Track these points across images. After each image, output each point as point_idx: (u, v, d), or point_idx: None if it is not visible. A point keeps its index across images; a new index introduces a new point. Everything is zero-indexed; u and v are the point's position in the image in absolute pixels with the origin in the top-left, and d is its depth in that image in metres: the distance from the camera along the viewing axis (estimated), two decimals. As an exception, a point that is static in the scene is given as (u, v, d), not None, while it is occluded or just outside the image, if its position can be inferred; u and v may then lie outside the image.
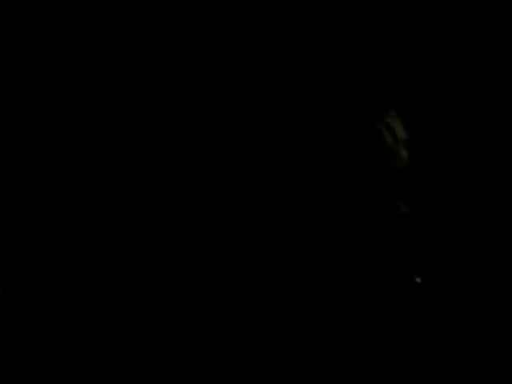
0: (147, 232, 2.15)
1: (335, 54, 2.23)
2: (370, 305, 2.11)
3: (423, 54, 2.23)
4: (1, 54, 2.15)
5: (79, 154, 2.17)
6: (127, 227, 2.15)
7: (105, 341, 2.04)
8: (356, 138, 2.13)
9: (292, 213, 2.18)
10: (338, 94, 2.22)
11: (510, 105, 2.21)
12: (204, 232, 2.17)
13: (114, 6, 2.18)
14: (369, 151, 2.11)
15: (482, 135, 2.21)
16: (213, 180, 2.19)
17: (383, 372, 2.05)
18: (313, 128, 2.22)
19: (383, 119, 2.13)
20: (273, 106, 2.23)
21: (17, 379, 1.97)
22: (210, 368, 2.05)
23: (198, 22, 2.22)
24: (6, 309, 2.03)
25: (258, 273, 2.14)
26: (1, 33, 2.15)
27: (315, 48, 2.23)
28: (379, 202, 2.18)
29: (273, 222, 2.18)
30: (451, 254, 2.16)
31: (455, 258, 2.15)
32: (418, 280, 2.13)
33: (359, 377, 2.05)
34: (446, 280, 2.14)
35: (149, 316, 2.09)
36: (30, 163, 2.15)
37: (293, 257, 2.15)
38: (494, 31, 2.21)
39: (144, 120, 2.21)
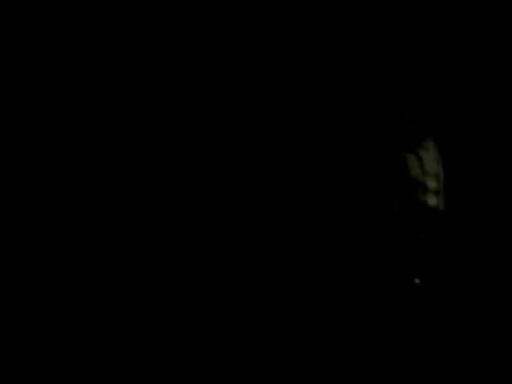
0: (147, 232, 2.16)
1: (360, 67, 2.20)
2: (368, 305, 2.12)
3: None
4: (1, 54, 2.15)
5: (79, 153, 2.17)
6: (127, 227, 2.15)
7: (105, 341, 2.05)
8: (358, 141, 2.13)
9: (292, 213, 2.18)
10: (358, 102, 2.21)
11: None
12: (204, 232, 2.17)
13: (114, 6, 2.17)
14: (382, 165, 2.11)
15: None
16: (213, 180, 2.19)
17: (383, 372, 2.06)
18: (317, 130, 2.22)
19: (415, 149, 2.11)
20: (274, 107, 2.23)
21: (17, 379, 1.98)
22: (209, 368, 2.06)
23: (198, 22, 2.22)
24: (6, 309, 2.04)
25: (258, 273, 2.15)
26: (1, 33, 2.15)
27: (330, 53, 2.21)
28: (379, 202, 2.19)
29: (273, 222, 2.18)
30: (450, 255, 2.16)
31: (455, 260, 2.16)
32: (417, 281, 2.13)
33: (359, 377, 2.06)
34: (444, 281, 2.14)
35: (149, 316, 2.09)
36: (30, 163, 2.15)
37: (292, 257, 2.16)
38: None
39: (144, 120, 2.21)
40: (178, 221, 2.17)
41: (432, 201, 2.13)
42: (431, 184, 2.13)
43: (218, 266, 2.15)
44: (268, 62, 2.23)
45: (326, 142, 2.21)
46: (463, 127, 2.17)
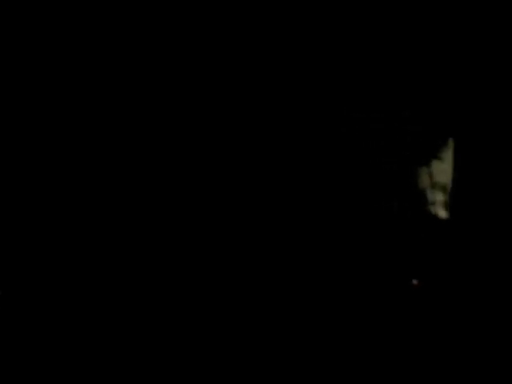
0: (147, 232, 2.16)
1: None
2: (367, 305, 2.12)
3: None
4: (1, 54, 2.14)
5: (79, 154, 2.17)
6: (127, 227, 2.15)
7: (105, 341, 2.06)
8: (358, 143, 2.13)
9: (292, 213, 2.19)
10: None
11: None
12: (204, 232, 2.17)
13: (115, 6, 2.16)
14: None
15: None
16: (213, 180, 2.19)
17: (382, 372, 2.07)
18: (317, 131, 2.21)
19: (427, 162, 2.10)
20: (276, 107, 2.23)
21: (17, 379, 1.99)
22: (209, 368, 2.06)
23: (198, 22, 2.21)
24: (6, 309, 2.04)
25: (258, 273, 2.15)
26: (1, 33, 2.14)
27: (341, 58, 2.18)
28: (379, 201, 2.19)
29: (273, 221, 2.18)
30: (449, 256, 2.16)
31: (453, 260, 2.16)
32: (415, 282, 2.14)
33: (358, 377, 2.07)
34: (443, 282, 2.15)
35: (149, 316, 2.10)
36: (30, 163, 2.15)
37: (292, 257, 2.16)
38: None
39: (144, 120, 2.20)
40: (177, 220, 2.17)
41: (442, 213, 2.13)
42: (439, 197, 2.13)
43: (217, 266, 2.15)
44: (268, 63, 2.23)
45: (326, 142, 2.21)
46: (467, 129, 2.16)
